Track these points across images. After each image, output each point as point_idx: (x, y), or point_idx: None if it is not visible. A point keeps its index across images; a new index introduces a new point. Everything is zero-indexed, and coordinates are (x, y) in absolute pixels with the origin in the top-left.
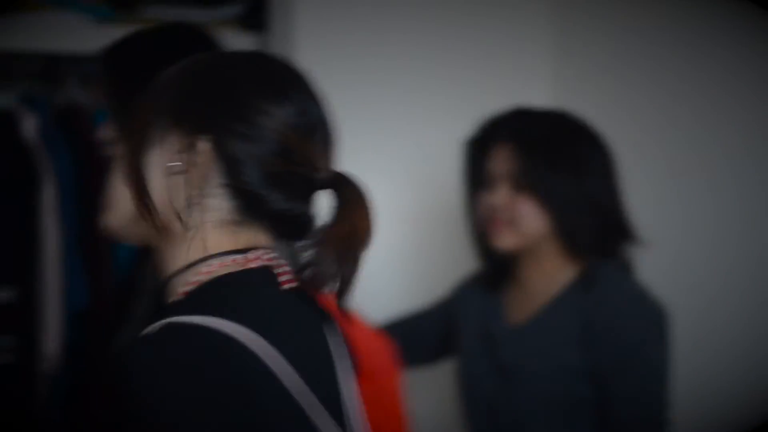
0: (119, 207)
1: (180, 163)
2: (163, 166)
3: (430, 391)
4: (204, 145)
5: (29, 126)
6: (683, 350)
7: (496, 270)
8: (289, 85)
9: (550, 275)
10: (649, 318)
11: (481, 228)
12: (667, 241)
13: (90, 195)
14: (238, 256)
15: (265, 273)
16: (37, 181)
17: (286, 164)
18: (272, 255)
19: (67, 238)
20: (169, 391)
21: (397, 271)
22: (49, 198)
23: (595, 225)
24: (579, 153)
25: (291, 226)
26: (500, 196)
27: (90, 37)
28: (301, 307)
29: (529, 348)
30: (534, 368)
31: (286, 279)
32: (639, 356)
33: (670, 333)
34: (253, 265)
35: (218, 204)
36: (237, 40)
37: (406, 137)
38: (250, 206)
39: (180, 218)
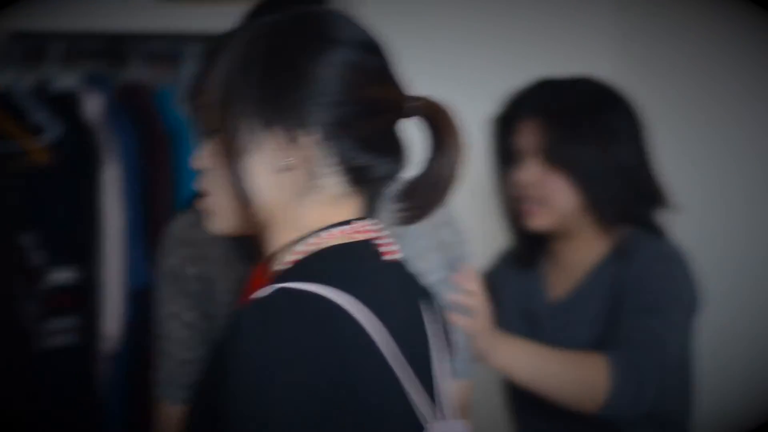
0: (222, 212)
1: (287, 161)
2: (267, 166)
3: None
4: (306, 140)
5: (94, 106)
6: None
7: (531, 248)
8: (340, 37)
9: (586, 248)
10: (673, 274)
11: (512, 207)
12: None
13: (152, 173)
14: (346, 227)
15: (369, 245)
16: (100, 161)
17: (379, 120)
18: (375, 226)
19: (130, 217)
20: (275, 352)
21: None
22: (112, 177)
23: (624, 194)
24: (605, 121)
25: (393, 173)
26: (530, 173)
27: (153, 16)
28: (402, 281)
29: (569, 322)
30: (575, 342)
31: (388, 250)
32: (659, 303)
33: (693, 289)
34: (359, 236)
35: (328, 183)
36: None
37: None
38: (360, 177)
39: (289, 206)
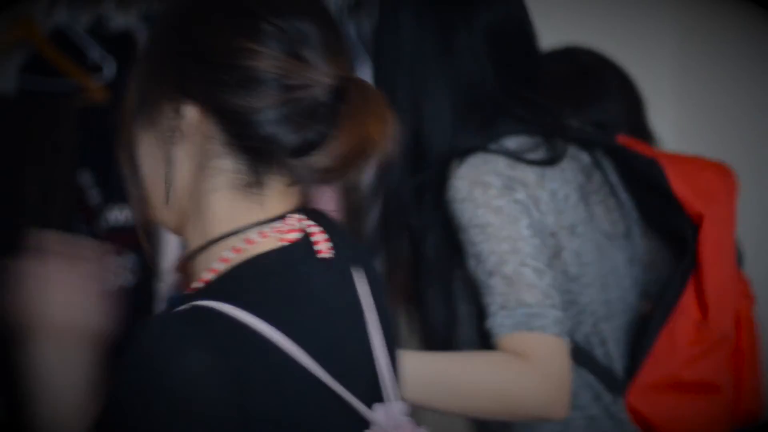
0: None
1: (171, 134)
2: (158, 142)
3: None
4: (190, 110)
5: None
6: None
7: None
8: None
9: None
10: None
11: None
12: None
13: None
14: (266, 228)
15: (299, 247)
16: None
17: (289, 96)
18: (306, 219)
19: None
20: (191, 372)
21: None
22: None
23: None
24: (585, 90)
25: (306, 150)
26: None
27: None
28: (338, 278)
29: None
30: None
31: (323, 247)
32: None
33: None
34: (289, 237)
35: (226, 165)
36: None
37: None
38: (262, 157)
39: (197, 195)
